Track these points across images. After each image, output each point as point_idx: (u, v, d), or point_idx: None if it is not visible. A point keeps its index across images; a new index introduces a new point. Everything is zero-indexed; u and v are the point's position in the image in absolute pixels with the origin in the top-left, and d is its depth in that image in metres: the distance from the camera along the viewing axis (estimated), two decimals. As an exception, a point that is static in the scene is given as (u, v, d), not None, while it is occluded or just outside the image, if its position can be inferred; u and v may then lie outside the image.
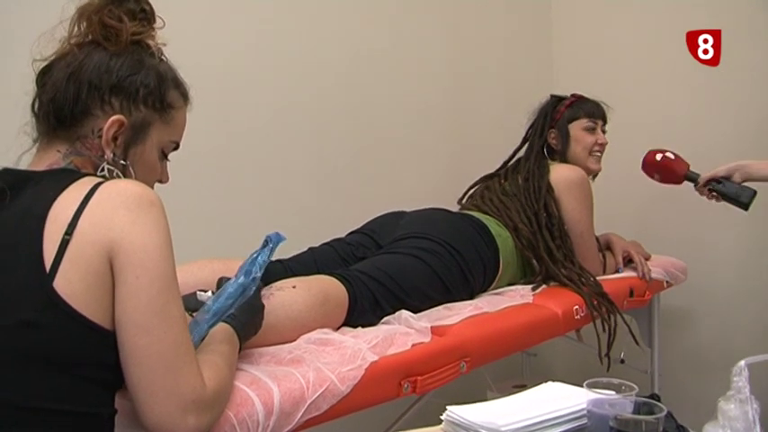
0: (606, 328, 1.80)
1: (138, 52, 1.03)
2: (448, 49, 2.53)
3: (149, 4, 1.06)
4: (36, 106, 1.02)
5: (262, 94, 2.02)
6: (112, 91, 1.00)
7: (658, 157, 2.04)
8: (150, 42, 1.05)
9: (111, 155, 1.00)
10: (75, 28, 1.02)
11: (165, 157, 1.09)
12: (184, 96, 1.09)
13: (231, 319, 1.10)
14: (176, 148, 1.10)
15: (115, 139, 1.00)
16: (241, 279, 1.10)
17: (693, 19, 2.46)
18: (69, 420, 0.88)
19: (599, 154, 2.13)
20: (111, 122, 0.99)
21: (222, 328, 1.08)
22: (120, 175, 1.01)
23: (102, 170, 0.99)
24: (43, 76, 1.01)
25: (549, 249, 1.89)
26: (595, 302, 1.81)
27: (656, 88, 2.59)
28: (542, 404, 1.02)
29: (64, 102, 0.98)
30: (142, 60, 1.03)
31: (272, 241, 1.15)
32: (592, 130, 2.12)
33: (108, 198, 0.90)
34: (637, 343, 2.01)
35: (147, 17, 1.05)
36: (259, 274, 1.12)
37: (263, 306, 1.19)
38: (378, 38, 2.32)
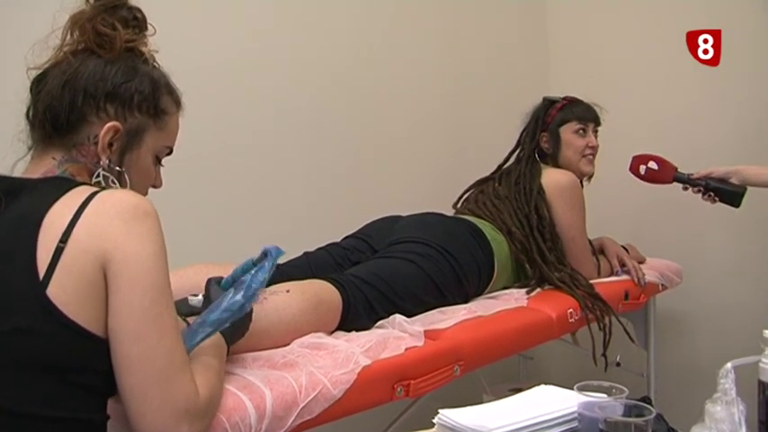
0: (601, 327, 1.80)
1: (132, 59, 1.04)
2: (444, 53, 2.54)
3: (141, 12, 1.07)
4: (31, 114, 1.02)
5: (258, 98, 2.03)
6: (107, 98, 1.01)
7: (642, 170, 2.06)
8: (143, 49, 1.06)
9: (107, 161, 1.01)
10: (68, 36, 1.03)
11: (158, 162, 1.10)
12: (177, 103, 1.10)
13: None
14: (170, 153, 1.11)
15: (111, 145, 1.01)
16: (240, 297, 1.06)
17: (693, 19, 2.46)
18: (62, 426, 0.88)
19: (591, 156, 2.12)
20: (107, 129, 1.00)
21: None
22: (116, 181, 1.02)
23: (98, 176, 1.00)
24: (38, 84, 1.02)
25: (541, 251, 1.90)
26: (589, 304, 1.81)
27: (656, 89, 2.58)
28: (533, 407, 1.03)
29: (60, 109, 0.99)
30: (136, 67, 1.04)
31: (271, 255, 1.12)
32: (582, 134, 2.11)
33: (103, 208, 0.91)
34: (632, 340, 2.00)
35: (140, 24, 1.06)
36: (258, 294, 1.09)
37: (251, 309, 1.19)
38: (374, 42, 2.32)
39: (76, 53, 1.02)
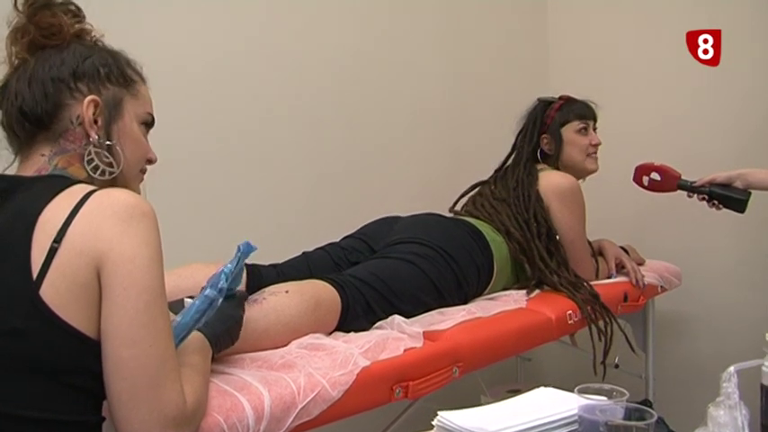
0: (602, 337, 1.79)
1: (83, 42, 1.05)
2: (443, 52, 2.53)
3: (75, 4, 1.06)
4: (5, 122, 1.01)
5: (257, 97, 2.02)
6: (75, 77, 1.01)
7: (645, 181, 2.06)
8: (93, 34, 1.07)
9: (97, 137, 1.00)
10: (15, 43, 1.02)
11: (146, 130, 1.09)
12: (139, 74, 1.09)
13: (204, 327, 1.08)
14: (152, 121, 1.10)
15: (95, 121, 1.00)
16: (207, 291, 1.07)
17: (693, 19, 2.45)
18: (57, 428, 0.87)
19: (595, 154, 2.12)
20: (87, 103, 0.99)
21: (195, 337, 1.06)
22: (108, 156, 1.01)
23: (90, 155, 0.99)
24: (2, 94, 1.02)
25: (542, 258, 1.88)
26: (590, 310, 1.80)
27: (656, 89, 2.58)
28: (533, 410, 1.02)
29: (34, 104, 0.98)
30: (90, 46, 1.05)
31: (240, 250, 1.12)
32: (584, 132, 2.11)
33: (99, 207, 0.90)
34: (633, 350, 2.01)
35: (79, 13, 1.06)
36: (225, 285, 1.08)
37: (241, 316, 1.18)
38: (373, 40, 2.32)
39: (29, 53, 1.01)
